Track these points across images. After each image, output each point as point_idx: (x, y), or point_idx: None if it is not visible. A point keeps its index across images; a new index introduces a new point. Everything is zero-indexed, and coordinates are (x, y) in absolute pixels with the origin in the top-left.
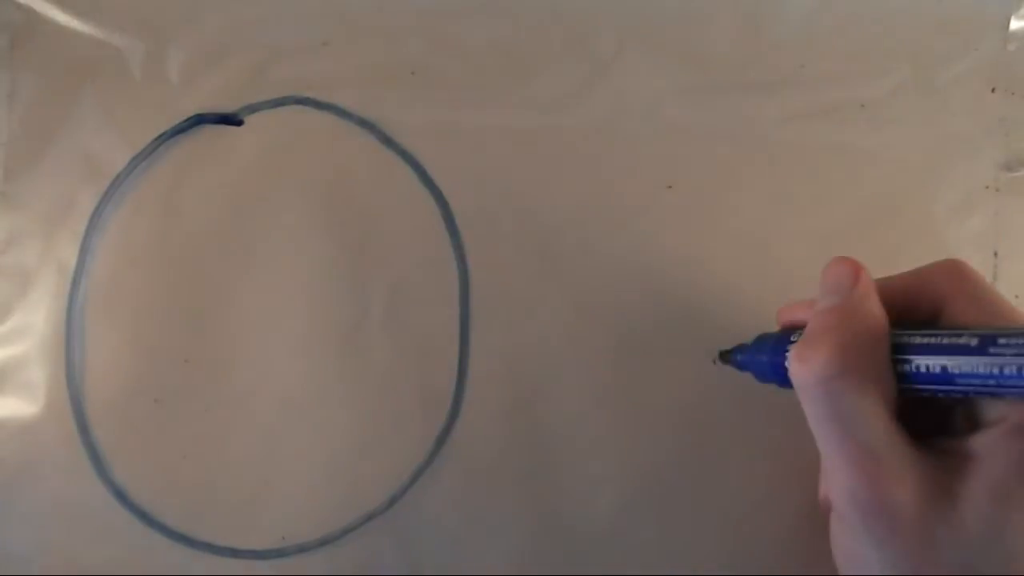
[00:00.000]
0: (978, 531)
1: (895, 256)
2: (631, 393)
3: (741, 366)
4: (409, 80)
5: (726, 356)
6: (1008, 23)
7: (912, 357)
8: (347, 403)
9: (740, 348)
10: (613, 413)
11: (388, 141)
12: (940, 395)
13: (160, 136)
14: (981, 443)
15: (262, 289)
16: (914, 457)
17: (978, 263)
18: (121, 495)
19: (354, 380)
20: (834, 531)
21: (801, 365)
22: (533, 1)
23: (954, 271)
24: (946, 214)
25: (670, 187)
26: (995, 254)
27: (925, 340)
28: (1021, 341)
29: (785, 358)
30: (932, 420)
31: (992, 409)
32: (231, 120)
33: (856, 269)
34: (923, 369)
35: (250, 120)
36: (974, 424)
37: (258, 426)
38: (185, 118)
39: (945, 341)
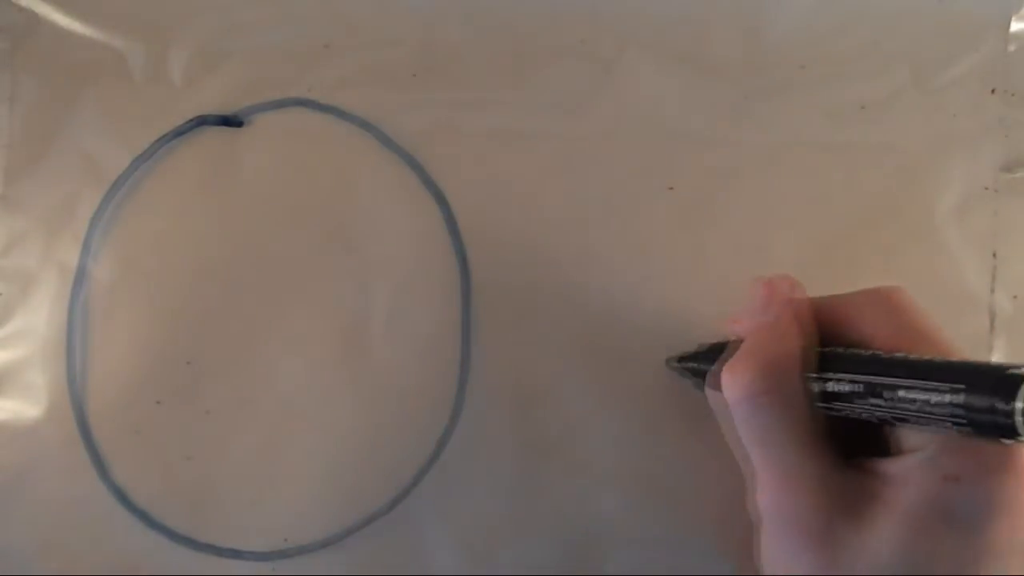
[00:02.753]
0: (886, 554)
1: (895, 256)
2: (632, 394)
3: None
4: (409, 82)
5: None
6: (1008, 24)
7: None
8: (349, 405)
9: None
10: (614, 414)
11: (388, 142)
12: (856, 416)
13: (161, 138)
14: (898, 468)
15: (264, 291)
16: (828, 476)
17: (977, 263)
18: (123, 496)
19: (356, 382)
20: (758, 538)
21: (729, 382)
22: (533, 3)
23: (885, 299)
24: (945, 215)
25: (671, 188)
26: (994, 255)
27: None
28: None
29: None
30: (866, 440)
31: (913, 436)
32: (232, 122)
33: (771, 290)
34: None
35: (251, 121)
36: (899, 448)
37: (260, 428)
38: (186, 120)
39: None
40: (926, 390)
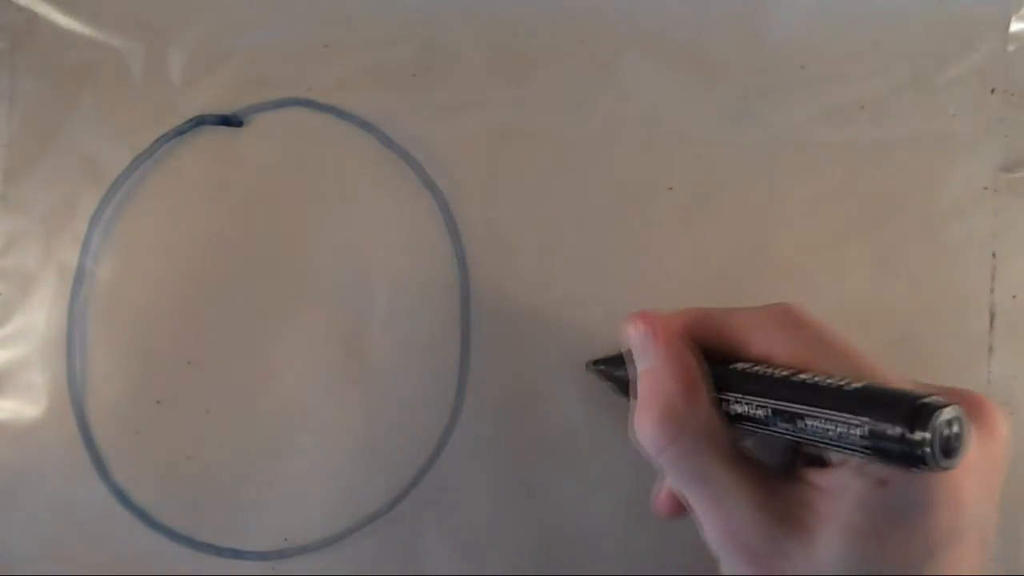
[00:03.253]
0: (831, 561)
1: (895, 256)
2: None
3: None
4: (409, 81)
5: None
6: (1008, 24)
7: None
8: (349, 404)
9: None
10: (614, 413)
11: (388, 142)
12: (772, 437)
13: (161, 137)
14: (829, 480)
15: (264, 290)
16: (763, 494)
17: (977, 263)
18: (123, 496)
19: (356, 381)
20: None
21: (642, 436)
22: (533, 3)
23: (783, 314)
24: (945, 214)
25: (671, 188)
26: (993, 255)
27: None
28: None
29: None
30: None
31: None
32: (232, 121)
33: (652, 329)
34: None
35: (250, 121)
36: (827, 458)
37: (260, 427)
38: (186, 119)
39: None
40: (833, 420)
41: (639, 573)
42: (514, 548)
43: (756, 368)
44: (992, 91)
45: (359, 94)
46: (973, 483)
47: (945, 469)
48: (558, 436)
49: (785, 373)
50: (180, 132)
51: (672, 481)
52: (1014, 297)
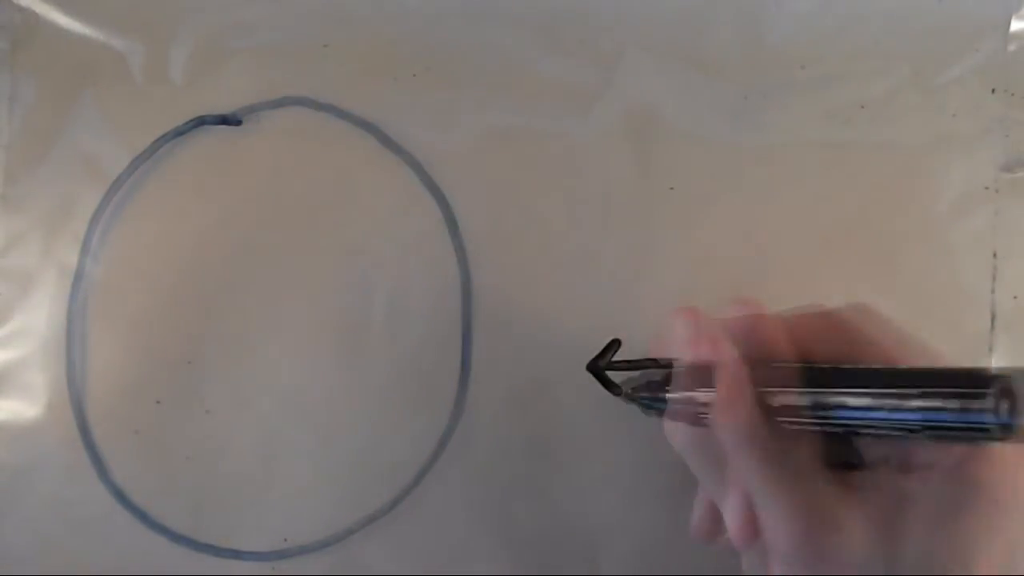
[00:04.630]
0: (866, 561)
1: (895, 256)
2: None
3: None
4: (409, 81)
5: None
6: (1008, 24)
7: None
8: (349, 404)
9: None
10: (613, 414)
11: (388, 141)
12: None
13: (161, 138)
14: (866, 478)
15: (264, 290)
16: (849, 501)
17: (977, 263)
18: (122, 496)
19: (356, 381)
20: (752, 563)
21: (727, 426)
22: (532, 4)
23: (864, 312)
24: (946, 214)
25: (671, 188)
26: (994, 254)
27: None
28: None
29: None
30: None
31: (876, 448)
32: (231, 121)
33: (690, 323)
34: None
35: (250, 121)
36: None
37: (260, 427)
38: (186, 119)
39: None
40: (900, 403)
41: (639, 573)
42: (514, 548)
43: (838, 366)
44: (992, 91)
45: (359, 94)
46: (1011, 478)
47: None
48: (558, 436)
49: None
50: (180, 132)
51: (753, 472)
52: (1015, 297)
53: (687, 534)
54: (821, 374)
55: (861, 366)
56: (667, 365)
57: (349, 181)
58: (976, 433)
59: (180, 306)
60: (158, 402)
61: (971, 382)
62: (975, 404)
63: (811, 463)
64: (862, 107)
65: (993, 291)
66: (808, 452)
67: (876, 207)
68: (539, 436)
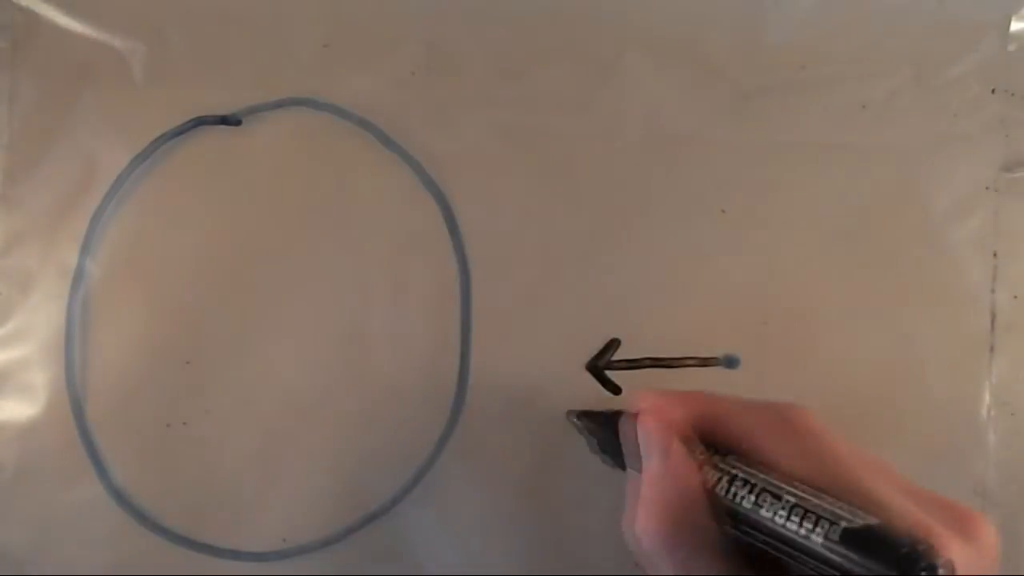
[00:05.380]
0: None
1: (895, 256)
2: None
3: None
4: (409, 81)
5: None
6: (1008, 24)
7: (741, 510)
8: (349, 404)
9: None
10: None
11: (388, 142)
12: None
13: (160, 137)
14: None
15: (264, 290)
16: None
17: (978, 263)
18: (121, 497)
19: (355, 381)
20: None
21: (634, 535)
22: (533, 3)
23: (788, 420)
24: (946, 214)
25: (671, 188)
26: (994, 255)
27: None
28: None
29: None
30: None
31: None
32: (230, 121)
33: (649, 429)
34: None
35: (250, 121)
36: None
37: (259, 427)
38: (185, 119)
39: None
40: (822, 555)
41: (639, 574)
42: (513, 548)
43: (753, 477)
44: (993, 91)
45: (359, 94)
46: None
47: None
48: (557, 436)
49: (782, 489)
50: (179, 132)
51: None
52: (1015, 297)
53: None
54: (755, 484)
55: (790, 492)
56: (668, 365)
57: (349, 181)
58: None
59: (180, 306)
60: (157, 402)
61: (902, 556)
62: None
63: (724, 567)
64: (863, 107)
65: (993, 291)
66: (721, 557)
67: (876, 207)
68: (538, 436)
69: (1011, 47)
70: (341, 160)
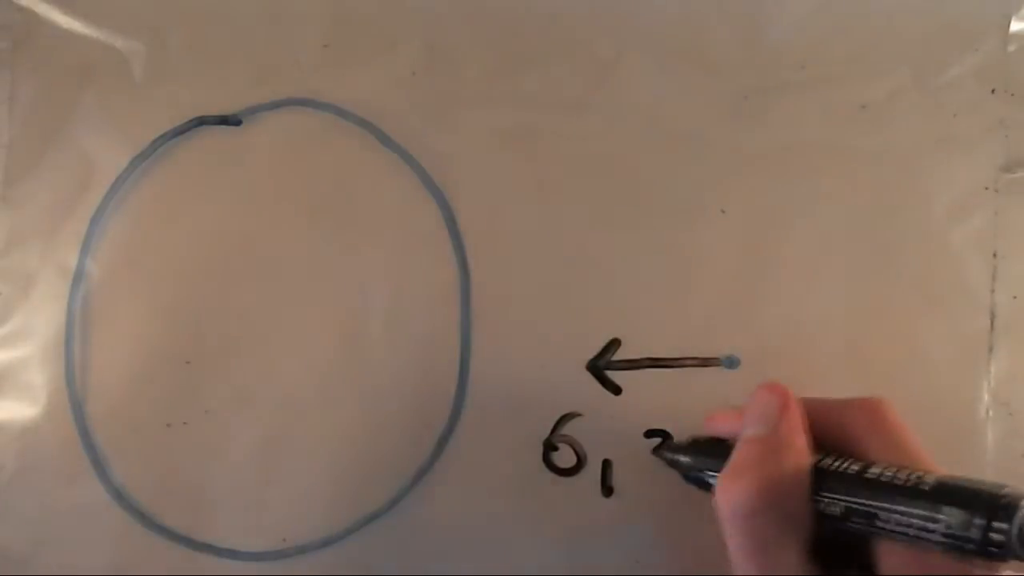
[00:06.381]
0: None
1: (895, 256)
2: (634, 395)
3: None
4: (409, 81)
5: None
6: (1008, 24)
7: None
8: (348, 404)
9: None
10: (613, 413)
11: (388, 141)
12: (858, 533)
13: (160, 137)
14: None
15: (263, 290)
16: None
17: (978, 263)
18: (121, 496)
19: (355, 381)
20: None
21: (724, 496)
22: (533, 3)
23: (874, 412)
24: (946, 215)
25: (671, 188)
26: (994, 255)
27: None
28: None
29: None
30: (843, 552)
31: (892, 554)
32: (231, 121)
33: (785, 400)
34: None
35: (250, 121)
36: (879, 562)
37: (259, 427)
38: (185, 119)
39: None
40: (922, 517)
41: (639, 573)
42: (514, 548)
43: (838, 464)
44: (992, 91)
45: (359, 94)
46: None
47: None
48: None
49: (866, 470)
50: (180, 132)
51: (739, 547)
52: (1015, 297)
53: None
54: (844, 472)
55: (888, 469)
56: (668, 365)
57: (349, 181)
58: (996, 554)
59: (180, 306)
60: (157, 402)
61: (998, 503)
62: (1000, 527)
63: (795, 557)
64: (862, 107)
65: (993, 291)
66: (798, 546)
67: (876, 207)
68: (538, 437)
69: (1011, 47)
70: (341, 160)
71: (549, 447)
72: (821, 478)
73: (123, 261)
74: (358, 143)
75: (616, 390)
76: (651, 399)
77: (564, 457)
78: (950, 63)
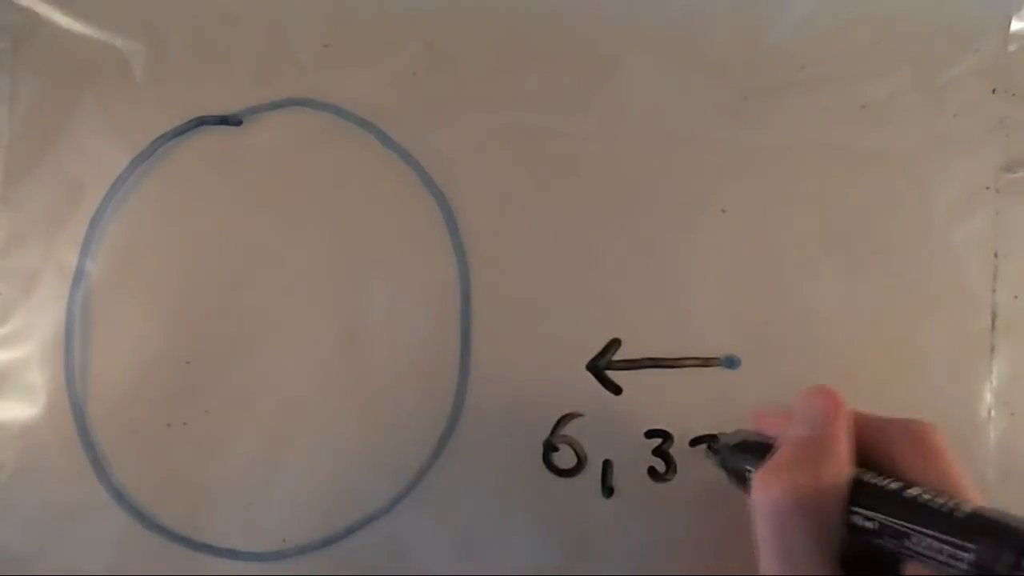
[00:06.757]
0: None
1: (895, 256)
2: (634, 396)
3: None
4: (409, 80)
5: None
6: (1009, 24)
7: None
8: (349, 404)
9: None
10: (613, 414)
11: (388, 141)
12: (887, 550)
13: (160, 137)
14: None
15: (263, 290)
16: None
17: (978, 263)
18: (120, 496)
19: (355, 381)
20: None
21: (759, 493)
22: (533, 3)
23: (919, 436)
24: (946, 214)
25: (671, 188)
26: (995, 254)
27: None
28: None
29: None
30: (873, 567)
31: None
32: (231, 121)
33: (834, 406)
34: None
35: (250, 121)
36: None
37: (259, 427)
38: (185, 119)
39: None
40: (952, 544)
41: (639, 573)
42: (514, 548)
43: (877, 480)
44: (993, 91)
45: (359, 94)
46: None
47: None
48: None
49: (904, 490)
50: (180, 132)
51: (768, 543)
52: (1016, 297)
53: (686, 535)
54: (882, 488)
55: (926, 492)
56: (668, 365)
57: (349, 181)
58: None
59: (180, 306)
60: (157, 402)
61: None
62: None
63: (823, 564)
64: (862, 107)
65: (994, 291)
66: (827, 553)
67: (877, 207)
68: (539, 437)
69: (1011, 47)
70: (341, 160)
71: (549, 447)
72: (858, 490)
73: (123, 261)
74: (358, 143)
75: (616, 390)
76: (651, 399)
77: (564, 457)
78: (951, 63)
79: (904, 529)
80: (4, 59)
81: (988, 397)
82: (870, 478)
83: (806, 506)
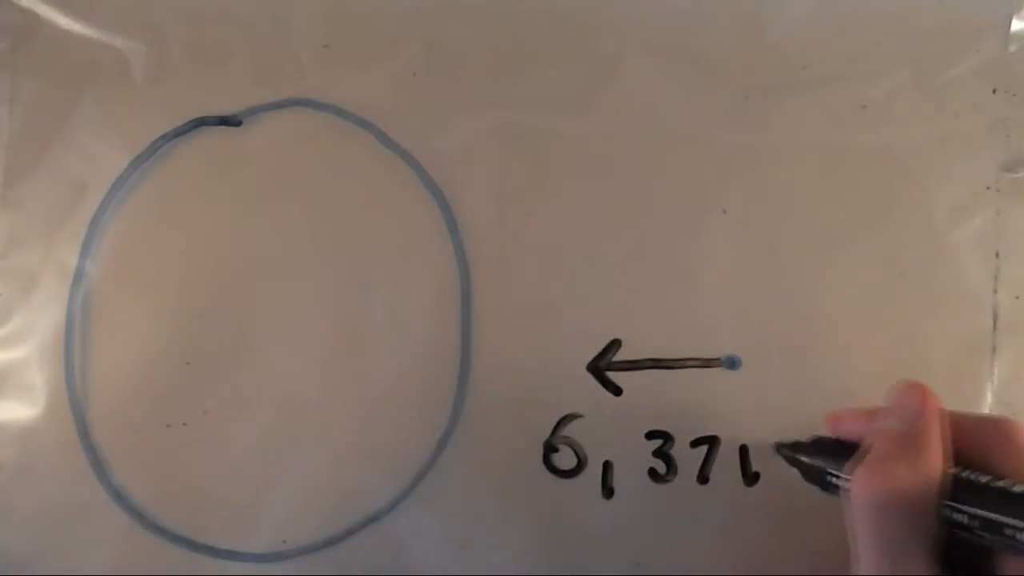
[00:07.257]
0: None
1: (896, 256)
2: (635, 396)
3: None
4: (409, 81)
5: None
6: (1009, 24)
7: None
8: (349, 405)
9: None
10: (613, 413)
11: (388, 141)
12: (984, 544)
13: (160, 138)
14: None
15: (263, 291)
16: None
17: (979, 264)
18: (120, 497)
19: (356, 382)
20: None
21: (859, 488)
22: (533, 3)
23: (1009, 431)
24: (947, 214)
25: (671, 188)
26: (996, 254)
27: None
28: None
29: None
30: (970, 559)
31: (1018, 567)
32: (231, 121)
33: (927, 400)
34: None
35: (250, 121)
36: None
37: (259, 428)
38: (186, 120)
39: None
40: None
41: (639, 574)
42: (514, 548)
43: (971, 475)
44: (993, 91)
45: (359, 94)
46: None
47: None
48: (558, 437)
49: (998, 482)
50: (180, 132)
51: (867, 539)
52: (1017, 297)
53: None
54: (977, 482)
55: (1019, 485)
56: (669, 366)
57: (349, 181)
58: None
59: (180, 306)
60: (157, 403)
61: None
62: None
63: (922, 558)
64: (863, 107)
65: (995, 291)
66: (925, 547)
67: (877, 207)
68: (539, 436)
69: (1011, 47)
70: (341, 160)
71: (549, 448)
72: (954, 484)
73: (123, 261)
74: (358, 143)
75: (617, 391)
76: (652, 400)
77: (565, 458)
78: (951, 63)
79: (1001, 521)
80: (4, 59)
81: (989, 397)
82: (964, 473)
83: (907, 499)
